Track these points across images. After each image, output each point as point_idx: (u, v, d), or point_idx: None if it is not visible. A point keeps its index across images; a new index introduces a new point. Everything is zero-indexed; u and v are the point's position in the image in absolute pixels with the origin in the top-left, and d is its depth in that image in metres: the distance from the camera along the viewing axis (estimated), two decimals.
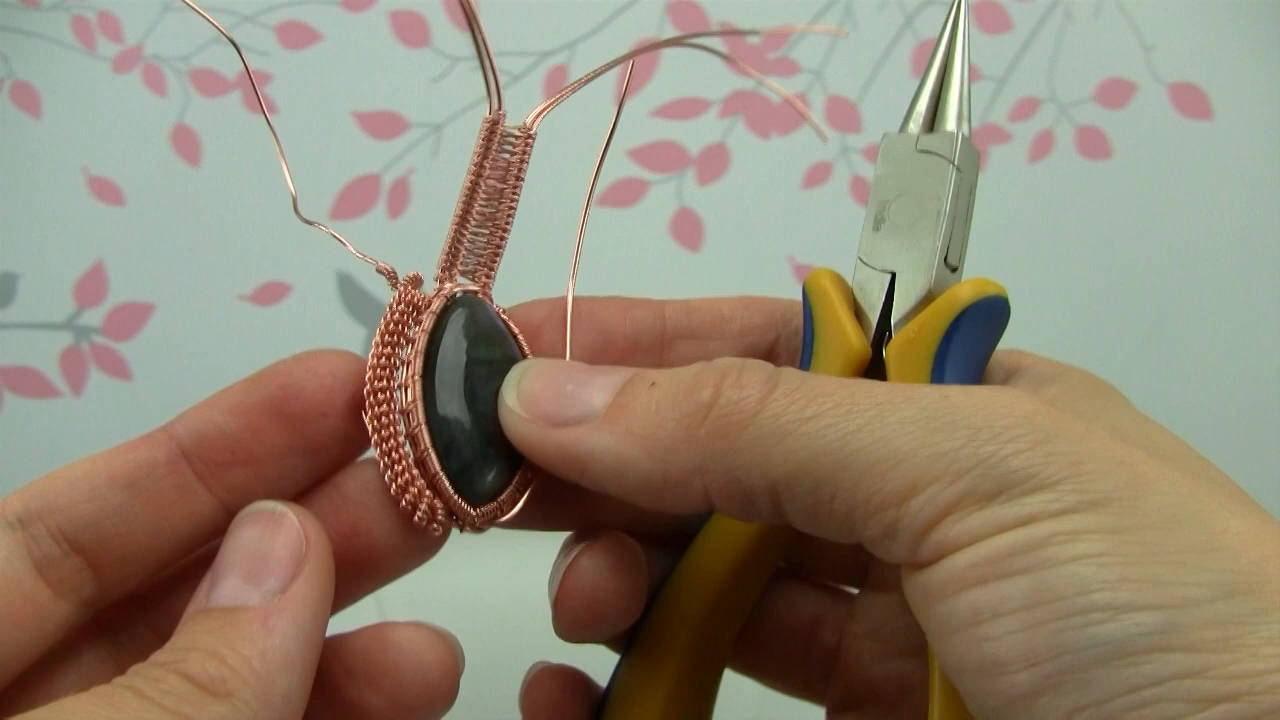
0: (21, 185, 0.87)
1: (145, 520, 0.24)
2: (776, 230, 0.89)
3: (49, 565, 0.23)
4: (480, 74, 0.26)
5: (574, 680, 0.29)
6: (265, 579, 0.22)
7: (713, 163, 0.88)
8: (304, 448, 0.25)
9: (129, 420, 0.89)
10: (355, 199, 0.87)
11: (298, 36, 0.85)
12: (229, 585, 0.21)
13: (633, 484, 0.23)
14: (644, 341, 0.28)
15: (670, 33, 0.86)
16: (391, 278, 0.27)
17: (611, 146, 0.30)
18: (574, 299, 0.28)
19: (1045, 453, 0.20)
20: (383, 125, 0.86)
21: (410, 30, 0.85)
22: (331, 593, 0.23)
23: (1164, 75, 0.88)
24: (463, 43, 0.85)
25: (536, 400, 0.25)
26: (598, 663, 0.29)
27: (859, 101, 0.87)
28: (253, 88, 0.26)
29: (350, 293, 0.88)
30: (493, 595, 0.73)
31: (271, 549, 0.22)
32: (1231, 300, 0.91)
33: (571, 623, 0.27)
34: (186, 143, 0.86)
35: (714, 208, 0.89)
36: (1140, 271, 0.90)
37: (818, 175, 0.88)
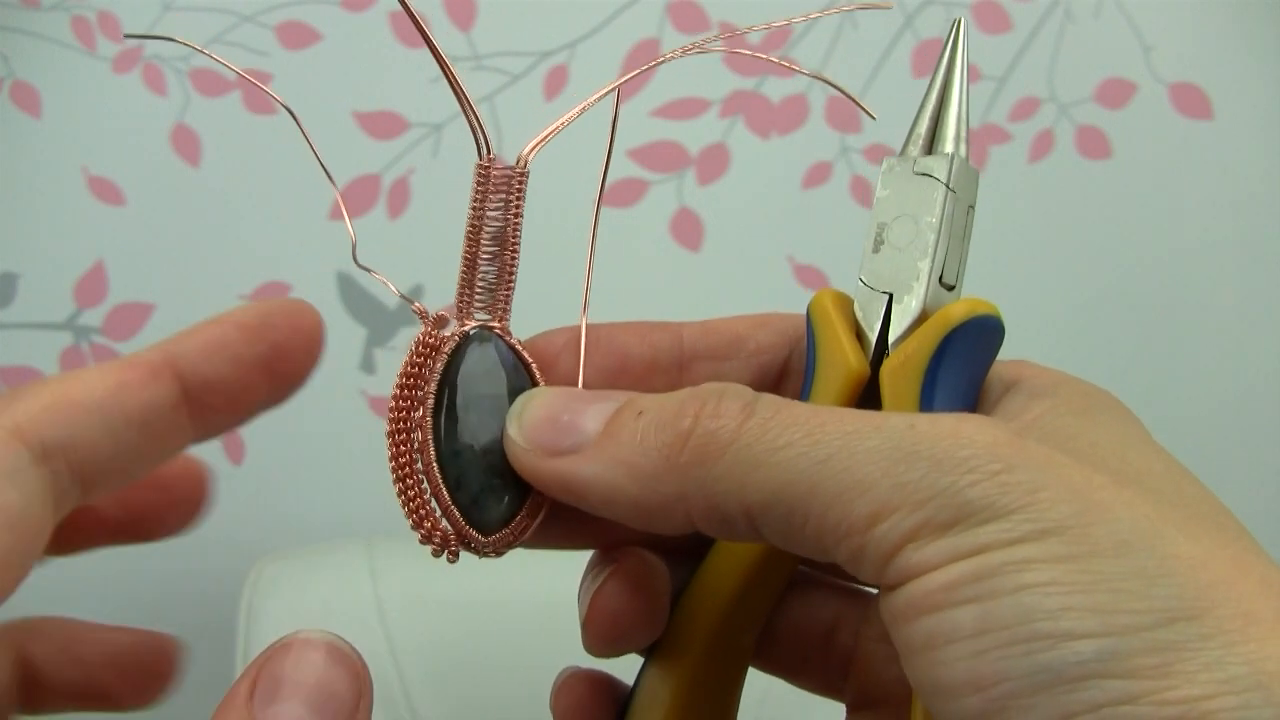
0: (21, 185, 0.87)
1: (145, 455, 0.25)
2: (776, 230, 0.89)
3: (62, 501, 0.23)
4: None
5: (601, 683, 0.31)
6: (330, 716, 0.22)
7: (713, 163, 0.88)
8: (274, 400, 0.26)
9: None
10: (355, 199, 0.87)
11: (298, 36, 0.85)
12: (291, 710, 0.22)
13: (622, 509, 0.25)
14: (662, 363, 0.29)
15: (670, 33, 0.86)
16: (423, 317, 0.28)
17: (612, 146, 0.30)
18: (593, 325, 0.29)
19: (1002, 483, 0.20)
20: (383, 125, 0.86)
21: (410, 30, 0.85)
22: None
23: (1164, 75, 0.88)
24: (463, 43, 0.85)
25: (535, 430, 0.26)
26: (622, 665, 0.30)
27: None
28: (299, 131, 0.27)
29: (350, 293, 0.88)
30: (493, 595, 0.73)
31: (338, 686, 0.23)
32: (1231, 300, 0.91)
33: (600, 641, 0.29)
34: (186, 143, 0.86)
35: (714, 208, 0.89)
36: (1140, 271, 0.90)
37: (818, 175, 0.89)
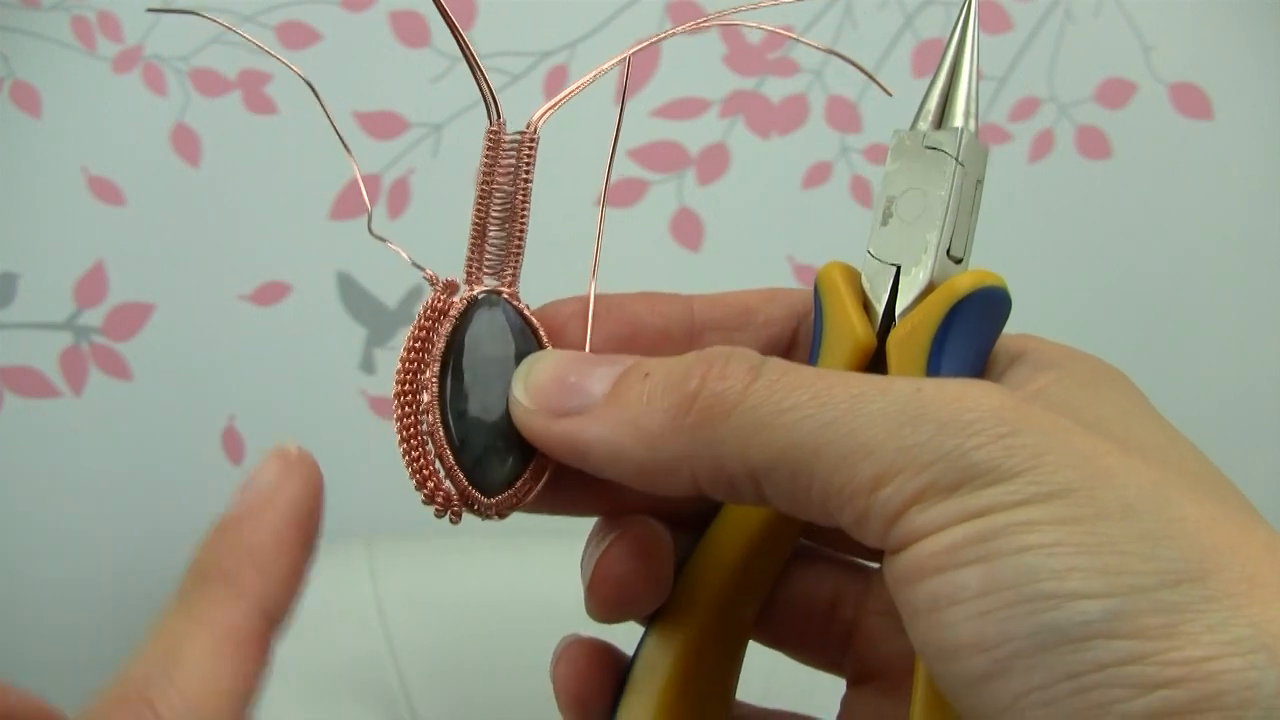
0: (21, 185, 0.87)
1: None
2: (776, 230, 0.89)
3: None
4: (458, 44, 0.26)
5: (602, 651, 0.31)
6: None
7: (713, 163, 0.88)
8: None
9: (129, 420, 0.90)
10: (355, 199, 0.87)
11: (298, 36, 0.85)
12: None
13: (628, 471, 0.25)
14: (674, 333, 0.29)
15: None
16: (433, 283, 0.29)
17: (611, 145, 0.31)
18: (603, 295, 0.29)
19: (1007, 445, 0.20)
20: (383, 125, 0.86)
21: (410, 30, 0.85)
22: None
23: (1164, 75, 0.88)
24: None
25: (541, 391, 0.26)
26: (622, 635, 0.30)
27: (859, 101, 0.87)
28: (331, 126, 0.27)
29: (350, 293, 0.88)
30: (493, 595, 0.73)
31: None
32: (1231, 300, 0.91)
33: (603, 606, 0.29)
34: (186, 143, 0.86)
35: (714, 208, 0.89)
36: (1140, 271, 0.90)
37: (818, 175, 0.89)
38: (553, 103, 0.28)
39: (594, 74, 0.29)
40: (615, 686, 0.30)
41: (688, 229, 0.89)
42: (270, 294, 0.88)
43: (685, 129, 0.88)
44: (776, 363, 0.24)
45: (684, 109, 0.87)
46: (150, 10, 0.24)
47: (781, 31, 0.32)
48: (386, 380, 0.91)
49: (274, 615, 0.22)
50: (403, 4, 0.85)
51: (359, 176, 0.29)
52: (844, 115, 0.88)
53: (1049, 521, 0.20)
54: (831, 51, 0.32)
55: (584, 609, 0.29)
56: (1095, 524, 0.20)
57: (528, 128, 0.28)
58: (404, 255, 0.29)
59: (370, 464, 0.80)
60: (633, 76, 0.86)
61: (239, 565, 0.23)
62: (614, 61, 0.29)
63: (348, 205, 0.87)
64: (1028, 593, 0.19)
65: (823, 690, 0.32)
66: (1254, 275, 0.91)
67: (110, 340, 0.89)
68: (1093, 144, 0.89)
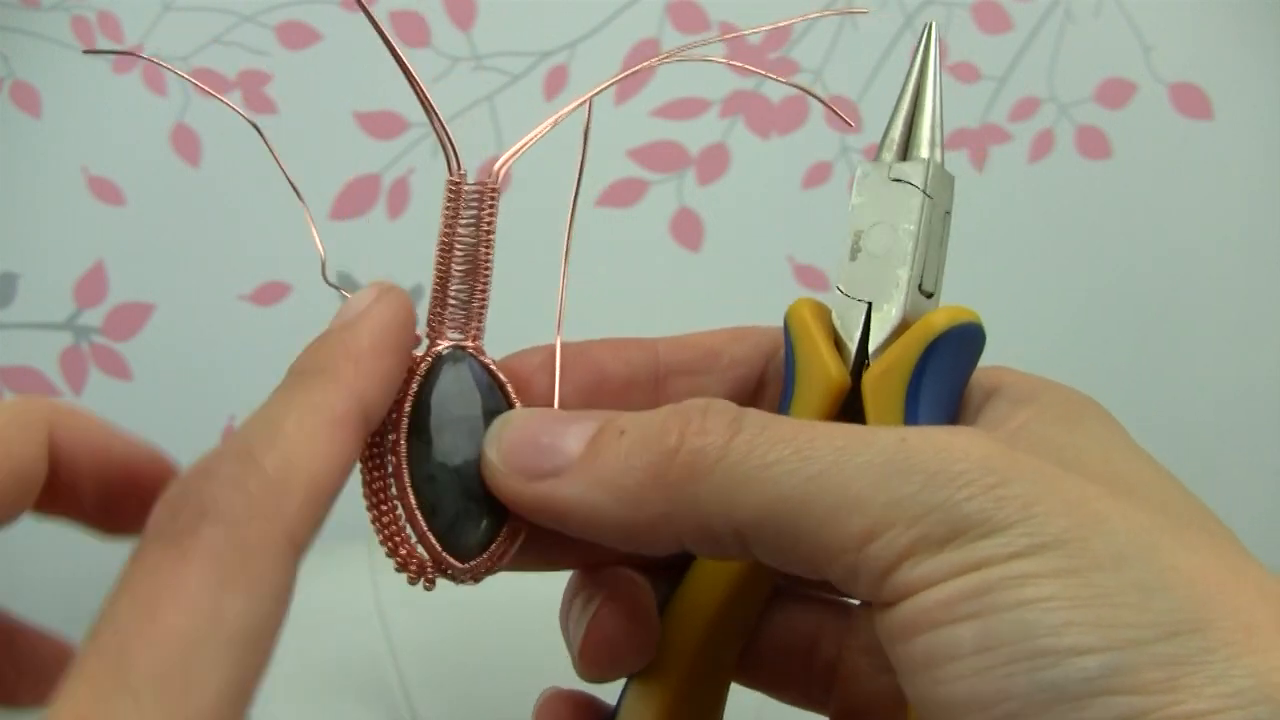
0: (21, 185, 0.87)
1: None
2: (776, 230, 0.89)
3: None
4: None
5: (583, 704, 0.30)
6: None
7: (713, 163, 0.88)
8: None
9: (129, 420, 0.89)
10: (355, 199, 0.87)
11: (298, 36, 0.85)
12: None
13: (607, 532, 0.24)
14: (639, 379, 0.29)
15: (670, 33, 0.86)
16: None
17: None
18: (568, 344, 0.29)
19: (998, 496, 0.20)
20: (383, 125, 0.86)
21: (410, 30, 0.85)
22: None
23: (1164, 75, 0.88)
24: (463, 43, 0.85)
25: (515, 453, 0.25)
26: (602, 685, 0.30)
27: (859, 101, 0.87)
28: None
29: (350, 293, 0.88)
30: (493, 595, 0.73)
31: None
32: (1231, 300, 0.91)
33: (595, 667, 0.28)
34: (186, 143, 0.86)
35: (714, 208, 0.89)
36: (1140, 270, 0.90)
37: (818, 175, 0.89)
38: (513, 151, 0.28)
39: (552, 120, 0.28)
40: None
41: (688, 229, 0.89)
42: (270, 294, 0.88)
43: (685, 129, 0.88)
44: (756, 415, 0.23)
45: (684, 109, 0.87)
46: (86, 52, 0.24)
47: (741, 66, 0.32)
48: None
49: (369, 410, 0.23)
50: (403, 4, 0.85)
51: (312, 226, 0.29)
52: (844, 115, 0.88)
53: (1043, 574, 0.19)
54: (800, 88, 0.32)
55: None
56: (1089, 575, 0.19)
57: (489, 178, 0.28)
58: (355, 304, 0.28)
59: None
60: (633, 76, 0.86)
61: (338, 362, 0.23)
62: (572, 107, 0.28)
63: (348, 205, 0.87)
64: (1025, 649, 0.19)
65: None
66: (1254, 275, 0.91)
67: (110, 340, 0.89)
68: (1093, 144, 0.88)
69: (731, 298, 0.89)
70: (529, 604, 0.73)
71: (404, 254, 0.84)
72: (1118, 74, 0.88)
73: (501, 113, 0.85)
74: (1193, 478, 0.24)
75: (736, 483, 0.22)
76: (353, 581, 0.73)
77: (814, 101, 0.88)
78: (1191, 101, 0.88)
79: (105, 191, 0.87)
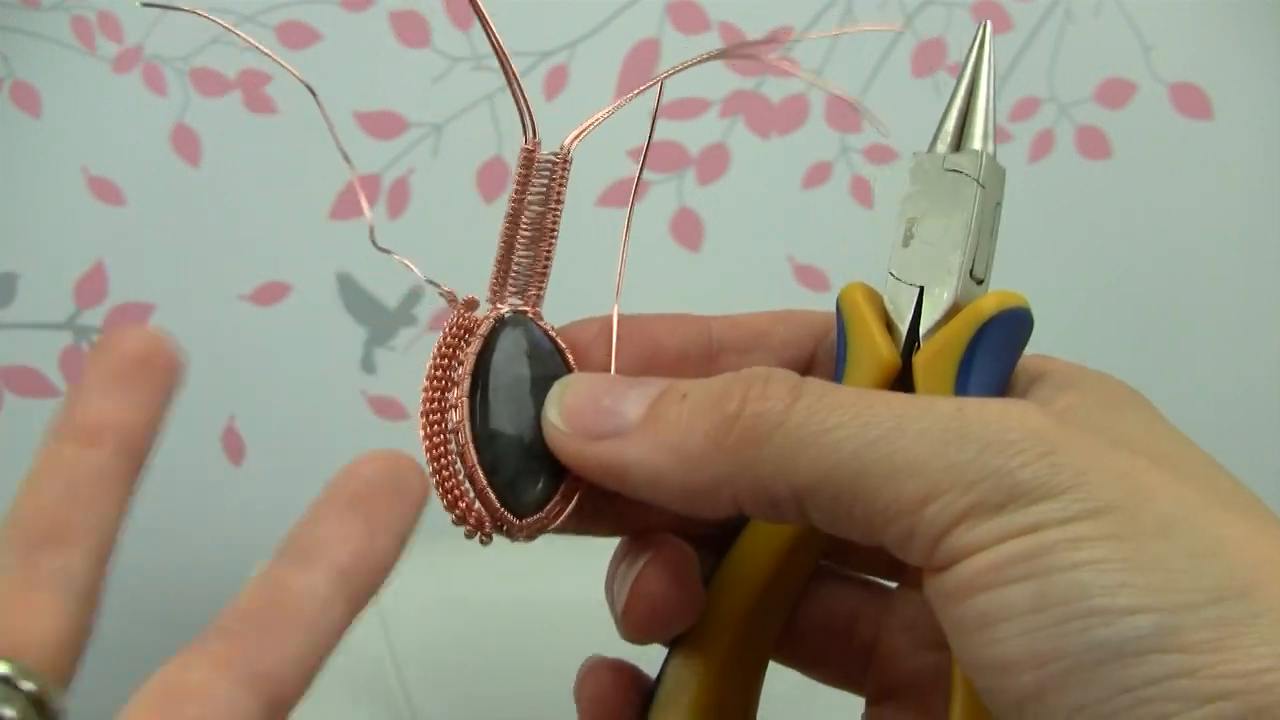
0: (21, 185, 0.87)
1: None
2: (776, 230, 0.89)
3: None
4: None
5: (625, 672, 0.31)
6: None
7: (713, 163, 0.88)
8: None
9: None
10: (355, 199, 0.87)
11: (298, 36, 0.85)
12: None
13: (667, 493, 0.25)
14: (692, 354, 0.30)
15: (670, 33, 0.86)
16: (451, 300, 0.28)
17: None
18: (624, 316, 0.29)
19: (1051, 464, 0.21)
20: (383, 125, 0.86)
21: (410, 30, 0.85)
22: None
23: (1164, 75, 0.88)
24: (463, 43, 0.85)
25: (576, 414, 0.26)
26: (645, 656, 0.30)
27: (859, 101, 0.87)
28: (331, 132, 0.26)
29: (350, 293, 0.88)
30: (493, 595, 0.73)
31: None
32: (1231, 300, 0.91)
33: (639, 626, 0.29)
34: (186, 143, 0.86)
35: (714, 208, 0.89)
36: (1140, 271, 0.90)
37: (818, 175, 0.89)
38: (584, 126, 0.29)
39: (625, 98, 0.30)
40: (640, 707, 0.30)
41: (688, 229, 0.89)
42: (270, 294, 0.88)
43: (685, 129, 0.88)
44: (816, 383, 0.24)
45: (684, 109, 0.87)
46: (145, 4, 0.24)
47: (780, 66, 0.32)
48: (387, 380, 0.91)
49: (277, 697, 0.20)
50: (403, 4, 0.85)
51: (358, 185, 0.29)
52: (844, 115, 0.88)
53: (1096, 538, 0.20)
54: (821, 84, 0.32)
55: (585, 613, 0.29)
56: (1140, 541, 0.20)
57: (561, 149, 0.28)
58: (417, 271, 0.29)
59: None
60: (633, 77, 0.86)
61: (250, 629, 0.20)
62: (644, 88, 0.29)
63: (348, 205, 0.87)
64: (1080, 608, 0.20)
65: (845, 707, 0.32)
66: (1254, 275, 0.91)
67: None
68: (1093, 144, 0.89)
69: (731, 298, 0.88)
70: (529, 604, 0.73)
71: (404, 254, 0.84)
72: (1118, 74, 0.88)
73: (501, 113, 0.85)
74: None
75: (796, 447, 0.23)
76: None
77: (814, 102, 0.88)
78: (1191, 101, 0.88)
79: (105, 191, 0.87)
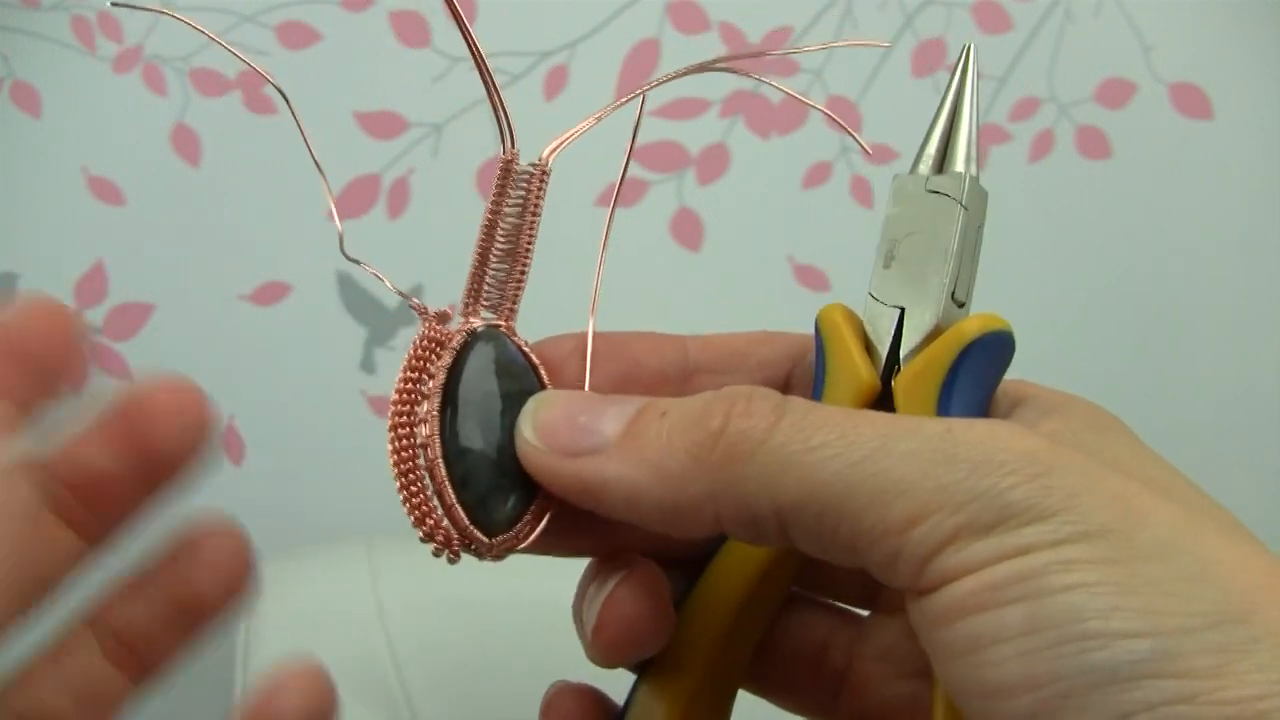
0: (21, 185, 0.87)
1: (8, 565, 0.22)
2: (776, 230, 0.89)
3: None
4: (480, 74, 0.26)
5: (592, 698, 0.30)
6: None
7: (713, 163, 0.88)
8: (164, 489, 0.25)
9: None
10: (355, 199, 0.87)
11: (298, 36, 0.85)
12: None
13: (646, 511, 0.24)
14: (669, 374, 0.29)
15: (670, 33, 0.86)
16: (422, 313, 0.28)
17: (611, 145, 0.30)
18: (601, 334, 0.29)
19: (1043, 485, 0.21)
20: (383, 125, 0.86)
21: (410, 30, 0.85)
22: None
23: (1164, 75, 0.88)
24: (463, 43, 0.85)
25: (551, 431, 0.26)
26: (615, 680, 0.30)
27: (859, 101, 0.87)
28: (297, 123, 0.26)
29: (350, 293, 0.88)
30: (493, 595, 0.73)
31: None
32: (1231, 300, 0.91)
33: (608, 649, 0.28)
34: (186, 143, 0.86)
35: (714, 208, 0.89)
36: (1140, 271, 0.90)
37: (818, 175, 0.89)
38: (564, 138, 0.28)
39: (608, 109, 0.29)
40: None
41: (688, 229, 0.89)
42: (270, 294, 0.88)
43: (685, 129, 0.88)
44: (800, 401, 0.24)
45: (684, 109, 0.87)
46: (115, 4, 0.24)
47: (780, 86, 0.32)
48: (387, 380, 0.91)
49: None
50: (403, 4, 0.85)
51: (329, 193, 0.29)
52: (844, 115, 0.88)
53: (1090, 561, 0.20)
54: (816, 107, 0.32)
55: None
56: (1135, 565, 0.20)
57: (540, 161, 0.28)
58: (388, 283, 0.28)
59: (370, 464, 0.80)
60: (633, 76, 0.86)
61: None
62: (627, 99, 0.28)
63: (348, 205, 0.87)
64: (1074, 631, 0.19)
65: None
66: (1254, 275, 0.91)
67: (110, 340, 0.89)
68: (1093, 144, 0.88)
69: (731, 298, 0.89)
70: (529, 604, 0.73)
71: (404, 254, 0.84)
72: (1118, 74, 0.88)
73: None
74: (1192, 478, 0.24)
75: (781, 465, 0.22)
76: (353, 581, 0.73)
77: (815, 102, 0.88)
78: (1191, 101, 0.88)
79: (105, 191, 0.87)
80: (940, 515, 0.21)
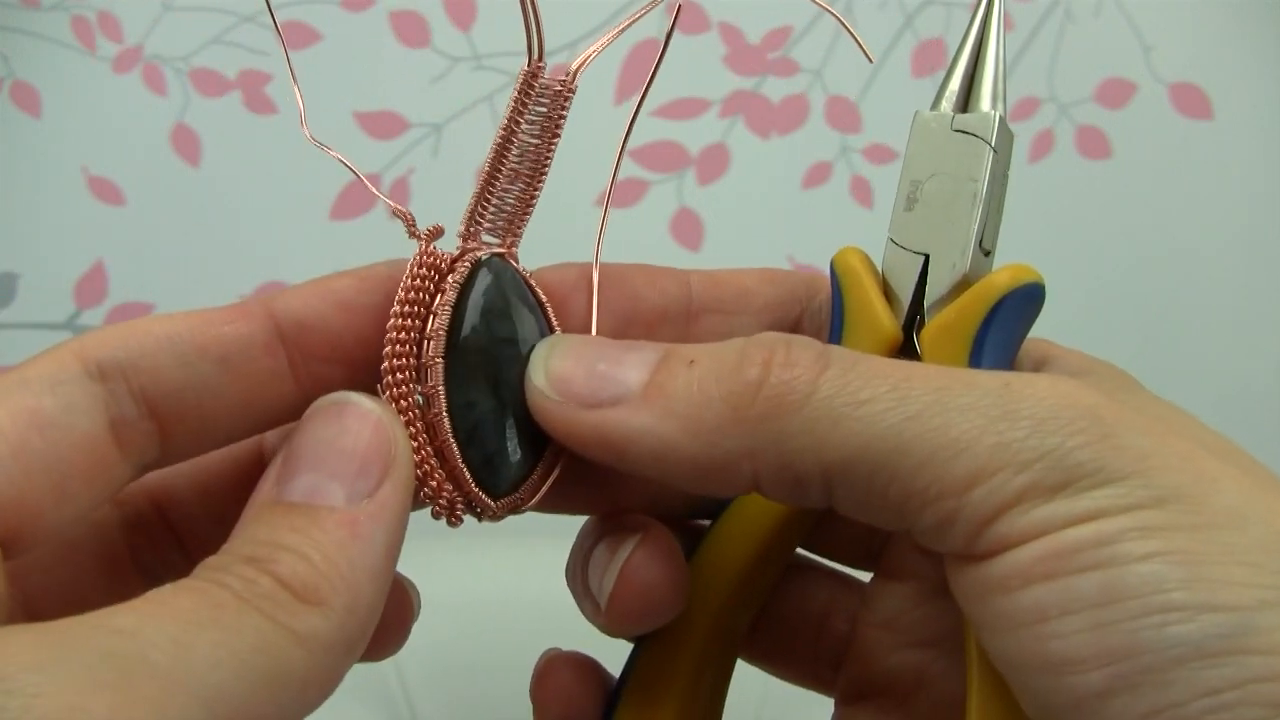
0: (21, 185, 0.87)
1: (229, 398, 0.22)
2: (776, 230, 0.89)
3: (122, 425, 0.21)
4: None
5: (586, 667, 0.28)
6: (351, 479, 0.20)
7: (713, 163, 0.88)
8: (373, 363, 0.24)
9: None
10: (355, 199, 0.87)
11: (298, 36, 0.85)
12: (308, 480, 0.20)
13: (676, 467, 0.22)
14: (672, 311, 0.27)
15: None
16: (410, 224, 0.25)
17: (611, 145, 0.30)
18: (606, 265, 0.27)
19: (1111, 446, 0.19)
20: (383, 125, 0.86)
21: (410, 30, 0.85)
22: (411, 501, 0.22)
23: (1164, 75, 0.88)
24: (463, 43, 0.85)
25: (567, 381, 0.23)
26: (609, 650, 0.28)
27: (859, 101, 0.87)
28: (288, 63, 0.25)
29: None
30: (493, 595, 0.73)
31: (356, 447, 0.21)
32: (1231, 300, 0.91)
33: (626, 617, 0.26)
34: (186, 143, 0.86)
35: (714, 208, 0.89)
36: (1140, 271, 0.90)
37: (818, 175, 0.88)
38: (589, 52, 0.26)
39: (628, 21, 0.27)
40: (605, 706, 0.27)
41: (688, 229, 0.89)
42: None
43: (685, 129, 0.88)
44: (843, 351, 0.22)
45: (684, 109, 0.87)
46: None
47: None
48: None
49: None
50: (403, 4, 0.85)
51: (292, 74, 0.27)
52: (844, 115, 0.87)
53: (1166, 528, 0.19)
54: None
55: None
56: (1213, 533, 0.19)
57: (566, 76, 0.26)
58: (356, 172, 0.26)
59: None
60: (633, 76, 0.86)
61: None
62: (645, 9, 0.27)
63: (348, 205, 0.87)
64: (1155, 603, 0.18)
65: (820, 717, 0.30)
66: (1254, 275, 0.91)
67: None
68: (1093, 144, 0.88)
69: None
70: (529, 604, 0.73)
71: (404, 254, 0.84)
72: (1118, 74, 0.88)
73: (501, 112, 0.85)
74: None
75: (829, 420, 0.21)
76: None
77: (814, 102, 0.88)
78: (1191, 101, 0.88)
79: (105, 191, 0.87)
80: (1003, 475, 0.19)
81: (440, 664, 0.72)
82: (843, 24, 0.27)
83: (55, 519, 0.20)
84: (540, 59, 0.25)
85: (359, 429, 0.21)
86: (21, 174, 0.86)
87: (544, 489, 0.25)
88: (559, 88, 0.26)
